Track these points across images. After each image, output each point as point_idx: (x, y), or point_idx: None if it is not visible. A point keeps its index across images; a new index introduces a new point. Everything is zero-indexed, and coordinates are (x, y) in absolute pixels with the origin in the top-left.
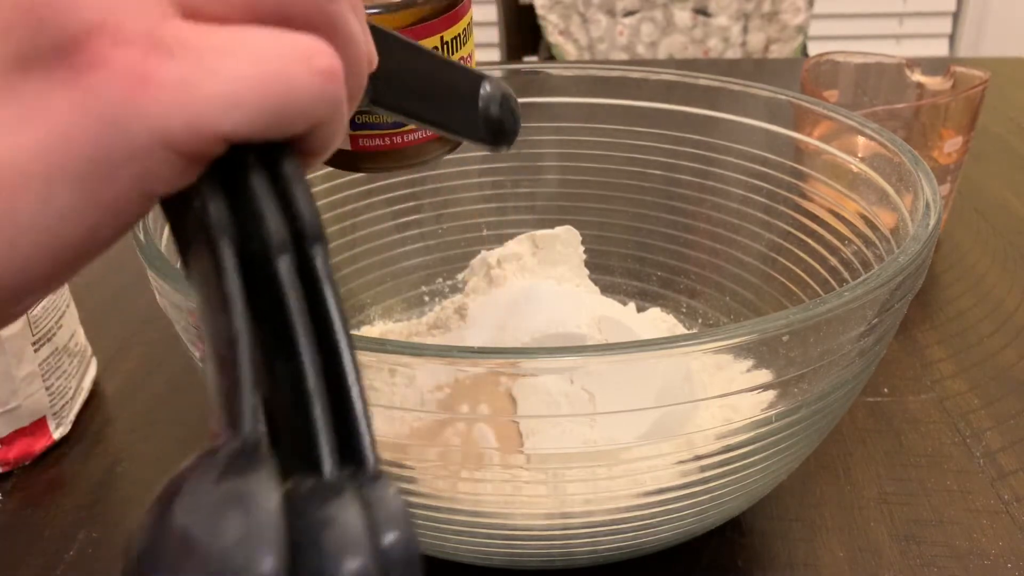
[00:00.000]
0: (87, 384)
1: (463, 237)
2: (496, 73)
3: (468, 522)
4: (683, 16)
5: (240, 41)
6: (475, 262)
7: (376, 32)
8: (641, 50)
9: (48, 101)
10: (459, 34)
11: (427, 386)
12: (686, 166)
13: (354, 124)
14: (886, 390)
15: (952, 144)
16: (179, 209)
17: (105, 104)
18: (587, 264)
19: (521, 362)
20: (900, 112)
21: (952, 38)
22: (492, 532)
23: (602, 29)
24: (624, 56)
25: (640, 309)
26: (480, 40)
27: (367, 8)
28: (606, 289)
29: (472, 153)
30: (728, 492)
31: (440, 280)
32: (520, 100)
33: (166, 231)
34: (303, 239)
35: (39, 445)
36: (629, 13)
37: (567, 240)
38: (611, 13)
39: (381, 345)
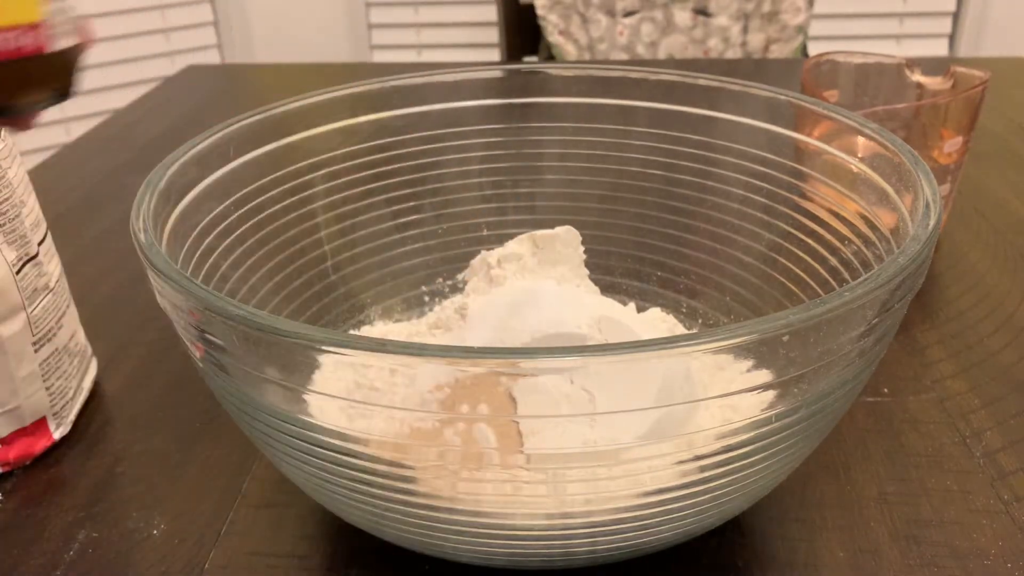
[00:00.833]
0: (87, 384)
1: (463, 237)
2: (496, 73)
3: (468, 522)
4: (683, 16)
5: None
6: (475, 262)
7: None
8: (641, 50)
9: None
10: None
11: (427, 386)
12: (686, 166)
13: None
14: (886, 390)
15: (952, 144)
16: None
17: None
18: (587, 264)
19: (521, 362)
20: (900, 112)
21: (952, 38)
22: (492, 532)
23: (602, 29)
24: (624, 56)
25: (640, 309)
26: (480, 40)
27: None
28: (606, 289)
29: (472, 153)
30: (728, 492)
31: (440, 280)
32: (520, 100)
33: (166, 231)
34: None
35: (39, 445)
36: (629, 13)
37: (567, 240)
38: (611, 13)
39: (381, 345)
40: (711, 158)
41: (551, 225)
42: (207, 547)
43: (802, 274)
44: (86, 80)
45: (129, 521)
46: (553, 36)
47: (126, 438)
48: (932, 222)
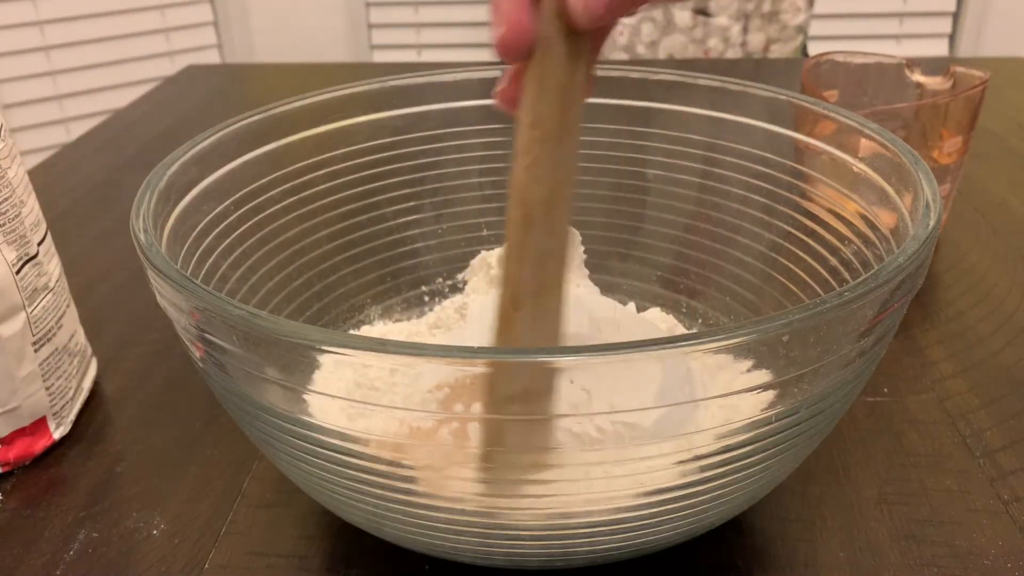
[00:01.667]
0: (87, 384)
1: (463, 237)
2: (496, 73)
3: (468, 522)
4: (683, 16)
5: None
6: (475, 262)
7: None
8: (641, 50)
9: None
10: None
11: (427, 386)
12: (686, 166)
13: None
14: (886, 390)
15: (952, 144)
16: None
17: None
18: (587, 264)
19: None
20: (900, 112)
21: (952, 38)
22: (492, 532)
23: None
24: (624, 56)
25: (640, 309)
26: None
27: None
28: (606, 289)
29: (472, 153)
30: (728, 492)
31: (440, 280)
32: None
33: (166, 231)
34: None
35: (39, 445)
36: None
37: None
38: None
39: (381, 345)
40: (711, 158)
41: None
42: (207, 547)
43: (802, 274)
44: (86, 80)
45: (129, 521)
46: None
47: (126, 438)
48: (932, 222)
